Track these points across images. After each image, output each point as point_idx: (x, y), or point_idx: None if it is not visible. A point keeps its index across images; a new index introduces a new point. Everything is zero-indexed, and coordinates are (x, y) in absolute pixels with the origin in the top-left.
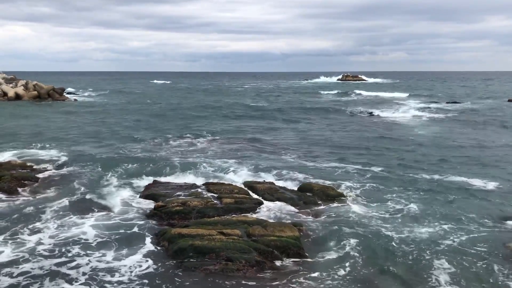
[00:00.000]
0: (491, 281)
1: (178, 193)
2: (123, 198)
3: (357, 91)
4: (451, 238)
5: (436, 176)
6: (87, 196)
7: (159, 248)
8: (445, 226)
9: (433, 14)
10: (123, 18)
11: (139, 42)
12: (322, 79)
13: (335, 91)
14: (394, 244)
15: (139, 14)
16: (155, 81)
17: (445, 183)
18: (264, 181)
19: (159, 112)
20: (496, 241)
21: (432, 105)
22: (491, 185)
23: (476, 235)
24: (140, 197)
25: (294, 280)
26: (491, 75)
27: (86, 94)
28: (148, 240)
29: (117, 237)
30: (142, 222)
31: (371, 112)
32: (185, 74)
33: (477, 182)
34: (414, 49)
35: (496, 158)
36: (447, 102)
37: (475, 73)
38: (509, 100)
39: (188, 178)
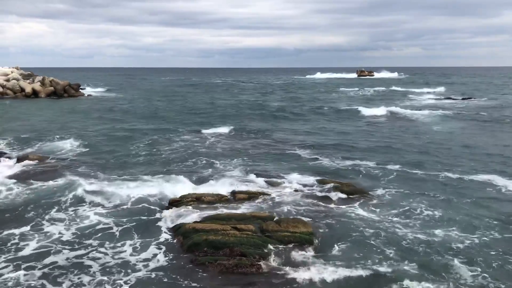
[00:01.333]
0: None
1: (191, 190)
2: (140, 191)
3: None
4: (470, 238)
5: (454, 175)
6: (104, 188)
7: (174, 242)
8: (463, 226)
9: (448, 9)
10: (137, 14)
11: (153, 38)
12: (318, 75)
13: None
14: (409, 244)
15: (153, 10)
16: (168, 77)
17: (464, 181)
18: (279, 175)
19: (171, 109)
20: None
21: (448, 101)
22: (509, 183)
23: (496, 235)
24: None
25: (307, 276)
26: (507, 70)
27: (100, 89)
28: (163, 234)
29: (133, 230)
30: (158, 216)
31: (387, 108)
32: (198, 70)
33: (499, 181)
34: (430, 44)
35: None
36: (463, 98)
37: (491, 69)
38: None
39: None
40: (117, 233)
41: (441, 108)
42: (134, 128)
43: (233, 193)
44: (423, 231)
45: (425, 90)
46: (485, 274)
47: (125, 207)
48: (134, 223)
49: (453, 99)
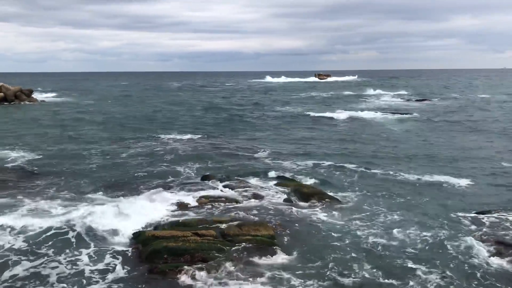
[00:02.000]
0: (465, 276)
1: (152, 195)
2: (97, 197)
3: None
4: (425, 236)
5: (411, 175)
6: (57, 194)
7: (133, 250)
8: (419, 225)
9: (402, 14)
10: (93, 17)
11: (110, 42)
12: (268, 79)
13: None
14: (368, 244)
15: (109, 13)
16: (125, 82)
17: (421, 182)
18: (240, 178)
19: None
20: (467, 237)
21: (403, 103)
22: (464, 182)
23: (450, 231)
24: (112, 196)
25: (268, 278)
26: (458, 72)
27: (54, 95)
28: (122, 242)
29: (89, 238)
30: (116, 225)
31: (339, 111)
32: (156, 74)
33: (452, 181)
34: (385, 47)
35: (466, 154)
36: (417, 100)
37: (443, 71)
38: (478, 96)
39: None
40: (73, 240)
41: (396, 110)
42: (88, 134)
43: (194, 198)
44: (383, 232)
45: (381, 92)
46: (443, 275)
47: (82, 214)
48: (91, 231)
49: (408, 100)
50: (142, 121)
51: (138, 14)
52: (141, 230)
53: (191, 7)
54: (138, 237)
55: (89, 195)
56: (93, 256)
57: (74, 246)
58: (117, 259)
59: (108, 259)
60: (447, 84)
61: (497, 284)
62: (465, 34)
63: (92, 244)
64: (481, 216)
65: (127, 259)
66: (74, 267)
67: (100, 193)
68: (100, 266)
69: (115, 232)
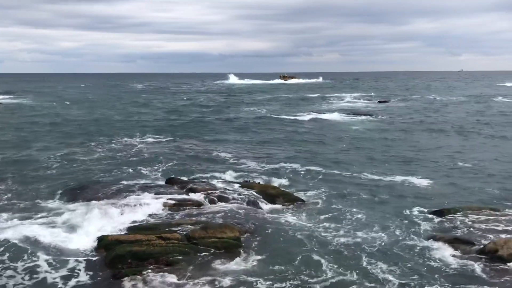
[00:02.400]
0: (424, 273)
1: (115, 199)
2: (58, 203)
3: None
4: (386, 236)
5: (373, 175)
6: (12, 203)
7: (96, 255)
8: (380, 225)
9: (364, 17)
10: (53, 17)
11: (71, 42)
12: (232, 80)
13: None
14: (333, 245)
15: (69, 13)
16: (86, 84)
17: (383, 182)
18: (205, 181)
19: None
20: (425, 235)
21: (366, 104)
22: (423, 181)
23: (410, 230)
24: (74, 201)
25: (233, 281)
26: (418, 74)
27: (9, 97)
28: (84, 247)
29: (51, 244)
30: (78, 229)
31: (303, 112)
32: (119, 75)
33: (408, 179)
34: (347, 50)
35: (425, 154)
36: (379, 101)
37: (403, 73)
38: (436, 97)
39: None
40: (35, 246)
41: (359, 111)
42: (45, 138)
43: (159, 202)
44: (347, 233)
45: (344, 94)
46: (403, 273)
47: (43, 219)
48: (54, 237)
49: (370, 102)
50: (104, 124)
51: (100, 14)
52: (104, 235)
53: (154, 7)
54: (101, 242)
55: (48, 202)
56: (54, 263)
57: (32, 254)
58: (80, 265)
59: (70, 265)
60: (407, 86)
61: (454, 280)
62: (424, 37)
63: (52, 252)
64: (439, 214)
65: (90, 265)
66: (34, 275)
67: (59, 199)
68: (62, 272)
69: (76, 238)
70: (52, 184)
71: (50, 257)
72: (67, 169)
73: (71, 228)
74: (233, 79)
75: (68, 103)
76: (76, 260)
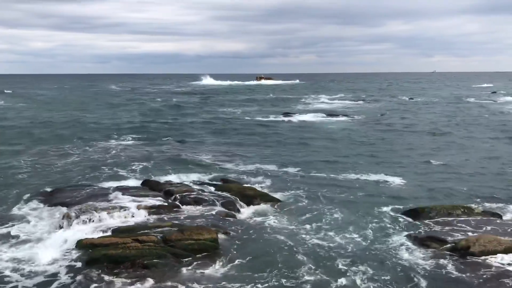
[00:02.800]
0: (398, 272)
1: (90, 202)
2: (30, 209)
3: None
4: (362, 236)
5: (350, 175)
6: None
7: (70, 259)
8: (356, 225)
9: (339, 18)
10: (25, 17)
11: (43, 43)
12: (207, 81)
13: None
14: (309, 247)
15: (42, 13)
16: (58, 85)
17: (359, 181)
18: (183, 183)
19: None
20: (399, 234)
21: (340, 105)
22: (397, 180)
23: (381, 228)
24: (47, 207)
25: (211, 283)
26: (392, 76)
27: None
28: (58, 252)
29: (23, 251)
30: (52, 234)
31: (279, 113)
32: (94, 76)
33: (383, 178)
34: (323, 51)
35: (399, 154)
36: (353, 102)
37: (378, 74)
38: (410, 99)
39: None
40: (5, 254)
41: (334, 112)
42: (15, 142)
43: (134, 204)
44: (323, 234)
45: (320, 95)
46: (379, 273)
47: (16, 226)
48: (26, 243)
49: (345, 103)
50: (78, 126)
51: (73, 14)
52: (79, 239)
53: (129, 8)
54: (76, 246)
55: (19, 208)
56: (25, 272)
57: (6, 255)
58: (54, 269)
59: (44, 268)
60: (381, 87)
61: (427, 278)
62: (398, 39)
63: (26, 256)
64: (412, 213)
65: (65, 268)
66: (5, 278)
67: (31, 205)
68: (36, 280)
69: (50, 242)
70: (22, 190)
71: (19, 265)
72: (40, 174)
73: (42, 234)
74: (209, 80)
75: (39, 105)
76: (51, 263)
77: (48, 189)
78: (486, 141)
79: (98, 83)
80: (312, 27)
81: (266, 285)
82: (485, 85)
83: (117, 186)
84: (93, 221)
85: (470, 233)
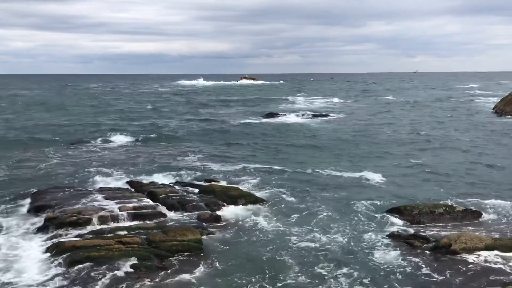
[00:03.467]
0: (381, 270)
1: (71, 201)
2: (10, 212)
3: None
4: (344, 236)
5: (334, 172)
6: None
7: (52, 263)
8: (339, 225)
9: (322, 19)
10: (4, 16)
11: (23, 42)
12: (183, 82)
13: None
14: (293, 248)
15: (22, 12)
16: (39, 86)
17: (343, 178)
18: (166, 184)
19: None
20: (382, 231)
21: (324, 105)
22: (378, 178)
23: (364, 227)
24: (28, 210)
25: (195, 285)
26: (375, 76)
27: None
28: (40, 255)
29: (4, 256)
30: (32, 237)
31: (264, 114)
32: (76, 77)
33: (365, 175)
34: (307, 52)
35: (380, 152)
36: (337, 102)
37: (361, 74)
38: (392, 97)
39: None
40: None
41: (317, 112)
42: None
43: (117, 206)
44: (307, 235)
45: (304, 95)
46: (366, 272)
47: None
48: (4, 250)
49: (328, 103)
50: (58, 128)
51: (54, 14)
52: (60, 241)
53: (111, 8)
54: (56, 248)
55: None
56: (3, 272)
57: None
58: (36, 272)
59: (25, 272)
60: (364, 87)
61: (410, 275)
62: (380, 39)
63: (5, 259)
64: (396, 212)
65: (46, 271)
66: None
67: (14, 206)
68: (18, 280)
69: (31, 245)
70: (3, 193)
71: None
72: (20, 177)
73: (24, 237)
74: (193, 81)
75: (20, 105)
76: (33, 266)
77: (30, 192)
78: (466, 140)
79: (79, 83)
80: (295, 27)
81: (250, 286)
82: (466, 85)
83: (99, 188)
84: (75, 223)
85: (451, 231)
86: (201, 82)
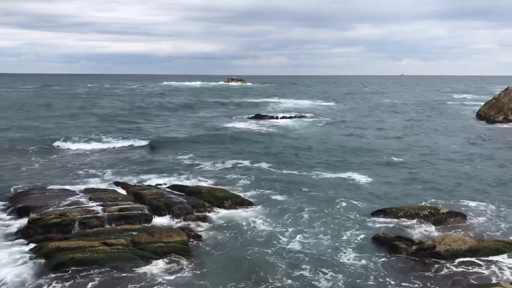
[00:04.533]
0: (366, 267)
1: (55, 202)
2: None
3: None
4: (329, 237)
5: (323, 173)
6: None
7: (35, 264)
8: (324, 226)
9: (309, 21)
10: None
11: (7, 41)
12: (181, 82)
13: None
14: (276, 249)
15: (6, 10)
16: (26, 86)
17: (326, 179)
18: (152, 185)
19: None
20: (367, 233)
21: (311, 107)
22: (364, 179)
23: (349, 229)
24: (10, 211)
25: (180, 283)
26: (361, 78)
27: None
28: (22, 258)
29: None
30: (14, 239)
31: (249, 115)
32: (62, 76)
33: (351, 175)
34: (294, 54)
35: (365, 152)
36: (323, 104)
37: (347, 77)
38: (377, 101)
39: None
40: None
41: (304, 114)
42: None
43: (103, 207)
44: (292, 236)
45: (291, 97)
46: (350, 275)
47: None
48: None
49: (315, 105)
50: (42, 129)
51: (40, 12)
52: (43, 243)
53: (97, 7)
54: (40, 250)
55: None
56: None
57: None
58: (18, 275)
59: (7, 275)
60: (351, 89)
61: (394, 277)
62: (367, 42)
63: None
64: (381, 214)
65: (30, 274)
66: None
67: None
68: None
69: (13, 247)
70: None
71: None
72: (2, 177)
73: (5, 238)
74: (182, 82)
75: (12, 111)
76: (15, 268)
77: (12, 192)
78: (450, 142)
79: (64, 83)
80: (282, 29)
81: None
82: (452, 89)
83: (84, 189)
84: (59, 224)
85: (436, 233)
86: (193, 83)
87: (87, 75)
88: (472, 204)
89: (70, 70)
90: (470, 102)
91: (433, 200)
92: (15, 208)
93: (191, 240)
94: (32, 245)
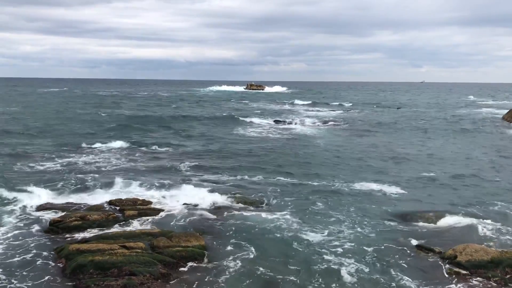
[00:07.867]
0: (387, 274)
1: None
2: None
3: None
4: (353, 242)
5: (340, 183)
6: None
7: (56, 266)
8: (347, 232)
9: (328, 28)
10: (13, 20)
11: (32, 46)
12: (215, 88)
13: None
14: (296, 249)
15: (30, 16)
16: (50, 89)
17: (345, 188)
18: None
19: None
20: (391, 239)
21: (331, 113)
22: (390, 189)
23: (374, 235)
24: (37, 210)
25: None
26: (382, 85)
27: None
28: (44, 258)
29: (9, 256)
30: (37, 239)
31: (270, 121)
32: (84, 81)
33: (370, 185)
34: (313, 60)
35: (393, 163)
36: (345, 111)
37: (368, 83)
38: (397, 108)
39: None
40: None
41: (325, 121)
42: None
43: (122, 210)
44: (315, 239)
45: (310, 103)
46: (371, 281)
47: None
48: (11, 249)
49: (337, 111)
50: (68, 131)
51: (62, 18)
52: (65, 244)
53: (118, 13)
54: (61, 251)
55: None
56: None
57: None
58: (40, 275)
59: (28, 275)
60: (372, 96)
61: (414, 286)
62: (387, 49)
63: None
64: (402, 220)
65: (50, 275)
66: None
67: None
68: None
69: (33, 249)
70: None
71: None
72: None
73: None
74: (208, 88)
75: (40, 113)
76: (38, 268)
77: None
78: (475, 152)
79: (87, 87)
80: (301, 35)
81: None
82: (475, 96)
83: (101, 190)
84: (80, 227)
85: (457, 242)
86: (214, 88)
87: (109, 80)
88: (494, 214)
89: (92, 75)
90: (496, 109)
91: (457, 209)
92: (40, 208)
93: (209, 243)
94: (53, 246)
